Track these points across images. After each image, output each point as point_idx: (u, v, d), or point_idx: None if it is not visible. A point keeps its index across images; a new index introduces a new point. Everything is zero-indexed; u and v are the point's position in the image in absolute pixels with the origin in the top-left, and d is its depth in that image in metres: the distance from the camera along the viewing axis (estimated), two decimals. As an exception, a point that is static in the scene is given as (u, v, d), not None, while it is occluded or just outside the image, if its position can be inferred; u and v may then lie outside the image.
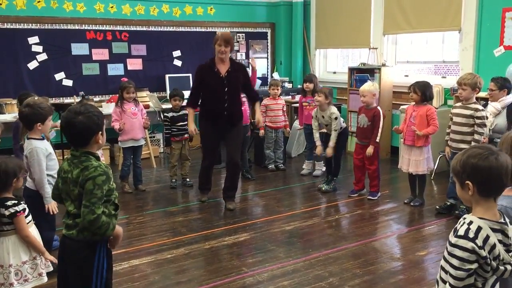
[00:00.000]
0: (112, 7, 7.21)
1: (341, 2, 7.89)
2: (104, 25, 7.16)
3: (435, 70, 7.28)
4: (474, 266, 1.69)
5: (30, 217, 2.81)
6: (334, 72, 8.40)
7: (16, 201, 2.73)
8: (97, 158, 2.27)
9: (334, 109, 5.33)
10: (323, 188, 5.41)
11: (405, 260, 3.68)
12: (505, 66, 5.49)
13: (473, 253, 1.68)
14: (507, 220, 1.78)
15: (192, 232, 4.27)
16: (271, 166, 6.41)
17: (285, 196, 5.36)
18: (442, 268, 1.80)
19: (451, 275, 1.73)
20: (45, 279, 2.85)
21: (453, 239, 1.73)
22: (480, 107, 4.48)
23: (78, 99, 6.85)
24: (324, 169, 5.97)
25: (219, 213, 4.81)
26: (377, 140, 5.00)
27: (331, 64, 8.63)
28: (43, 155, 3.24)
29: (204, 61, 4.80)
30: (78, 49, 7.01)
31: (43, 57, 6.80)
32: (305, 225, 4.45)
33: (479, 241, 1.67)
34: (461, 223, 1.76)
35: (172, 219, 4.64)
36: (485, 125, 4.44)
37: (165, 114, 5.74)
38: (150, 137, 7.12)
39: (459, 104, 4.62)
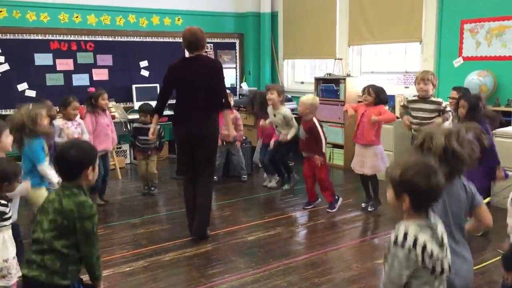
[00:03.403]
0: (77, 17, 7.14)
1: (307, 14, 8.00)
2: (69, 35, 7.08)
3: (404, 80, 7.39)
4: (404, 273, 1.76)
5: (8, 222, 2.83)
6: (302, 82, 8.49)
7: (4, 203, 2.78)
8: (85, 193, 2.29)
9: (286, 111, 5.26)
10: (285, 187, 5.47)
11: (363, 269, 3.72)
12: (464, 77, 5.65)
13: (403, 260, 1.75)
14: (436, 219, 1.86)
15: (153, 244, 4.23)
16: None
17: (250, 206, 5.37)
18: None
19: (384, 282, 1.82)
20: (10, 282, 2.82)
21: (387, 245, 1.83)
22: (441, 100, 4.73)
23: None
24: (277, 177, 6.01)
25: (183, 224, 4.74)
26: (323, 150, 4.95)
27: (298, 74, 8.71)
28: None
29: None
30: (42, 59, 6.90)
31: (5, 67, 6.67)
32: (267, 235, 4.45)
33: (409, 244, 1.75)
34: (395, 230, 1.84)
35: (134, 231, 4.59)
36: (451, 114, 4.62)
37: (133, 125, 5.75)
38: (116, 148, 7.04)
39: (414, 98, 4.74)
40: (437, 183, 1.77)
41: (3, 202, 2.81)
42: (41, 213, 2.27)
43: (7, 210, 2.83)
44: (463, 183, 2.15)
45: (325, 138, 4.99)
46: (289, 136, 5.27)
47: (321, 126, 4.99)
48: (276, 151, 5.45)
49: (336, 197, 5.11)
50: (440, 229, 1.83)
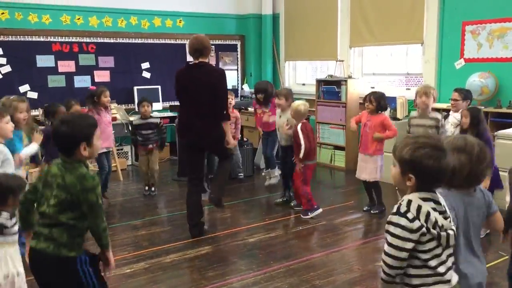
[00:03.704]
0: (78, 18, 7.16)
1: (309, 16, 8.00)
2: (71, 37, 7.09)
3: (405, 82, 7.39)
4: (408, 245, 1.73)
5: (11, 238, 2.74)
6: (303, 84, 8.49)
7: (6, 216, 2.70)
8: (87, 167, 2.29)
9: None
10: (293, 204, 5.30)
11: (364, 271, 3.71)
12: (466, 78, 5.64)
13: (406, 229, 1.73)
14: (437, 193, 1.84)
15: (154, 245, 4.23)
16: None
17: (251, 208, 5.36)
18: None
19: (385, 253, 1.77)
20: None
21: (389, 217, 1.80)
22: (439, 115, 4.75)
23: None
24: (278, 174, 5.92)
25: (183, 226, 4.75)
26: (300, 156, 4.77)
27: (300, 76, 8.71)
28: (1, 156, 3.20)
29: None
30: (44, 61, 6.92)
31: (7, 69, 6.68)
32: (268, 237, 4.44)
33: (412, 213, 1.73)
34: (397, 204, 1.82)
35: (135, 232, 4.59)
36: (446, 131, 4.74)
37: (132, 121, 5.78)
38: (117, 150, 7.05)
39: (416, 114, 4.80)
40: (446, 165, 1.74)
41: (5, 214, 2.70)
42: (44, 187, 2.27)
43: (9, 224, 2.71)
44: (481, 190, 2.11)
45: (310, 146, 4.82)
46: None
47: (308, 134, 4.83)
48: (285, 163, 5.39)
49: (316, 207, 4.97)
50: (443, 202, 1.81)
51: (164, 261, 3.90)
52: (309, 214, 4.93)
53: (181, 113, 4.41)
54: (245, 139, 6.70)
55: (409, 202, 1.75)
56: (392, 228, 1.76)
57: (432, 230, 1.72)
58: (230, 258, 3.99)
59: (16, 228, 2.75)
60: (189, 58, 8.02)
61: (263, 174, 6.25)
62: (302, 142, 4.77)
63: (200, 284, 3.50)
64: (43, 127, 5.67)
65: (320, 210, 5.00)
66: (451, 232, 1.76)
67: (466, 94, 5.10)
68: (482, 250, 2.14)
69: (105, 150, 5.30)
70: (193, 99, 4.25)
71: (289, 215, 5.09)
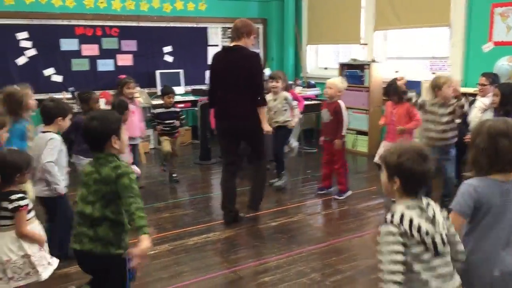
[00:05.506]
0: (102, 2, 7.18)
1: (332, -2, 7.87)
2: (94, 21, 7.12)
3: (430, 66, 7.24)
4: (401, 248, 1.78)
5: (32, 213, 2.77)
6: (326, 68, 8.39)
7: (20, 195, 2.67)
8: (119, 160, 2.37)
9: (286, 94, 5.34)
10: (275, 185, 5.41)
11: (388, 256, 3.68)
12: (494, 62, 5.49)
13: (395, 234, 1.78)
14: (428, 200, 1.89)
15: (177, 228, 4.27)
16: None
17: (273, 192, 5.34)
18: None
19: (383, 262, 1.80)
20: (43, 276, 2.69)
21: (380, 230, 1.86)
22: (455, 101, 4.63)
23: (67, 95, 6.84)
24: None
25: (206, 209, 4.81)
26: (343, 133, 4.92)
27: (322, 59, 8.61)
28: (59, 147, 3.26)
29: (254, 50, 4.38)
30: (67, 44, 6.98)
31: (32, 52, 6.76)
32: (290, 221, 4.44)
33: (396, 221, 1.80)
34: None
35: (158, 215, 4.64)
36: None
37: (152, 111, 5.73)
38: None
39: (436, 101, 4.62)
40: (427, 169, 1.84)
41: (20, 195, 2.66)
42: (81, 187, 2.36)
43: (23, 203, 2.66)
44: None
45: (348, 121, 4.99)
46: (294, 121, 5.33)
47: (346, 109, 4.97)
48: (275, 142, 5.41)
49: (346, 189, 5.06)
50: (432, 208, 1.85)
51: (187, 243, 3.93)
52: (343, 195, 5.00)
53: (218, 98, 4.27)
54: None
55: (394, 213, 1.83)
56: (383, 238, 1.82)
57: (415, 234, 1.78)
58: (252, 241, 4.01)
59: (31, 206, 2.76)
60: (210, 42, 8.22)
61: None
62: (345, 118, 4.89)
63: (223, 267, 3.52)
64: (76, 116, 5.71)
65: (350, 191, 5.09)
66: (437, 236, 1.79)
67: (493, 79, 4.98)
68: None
69: (132, 142, 5.08)
70: (228, 83, 4.16)
71: (311, 200, 5.08)
